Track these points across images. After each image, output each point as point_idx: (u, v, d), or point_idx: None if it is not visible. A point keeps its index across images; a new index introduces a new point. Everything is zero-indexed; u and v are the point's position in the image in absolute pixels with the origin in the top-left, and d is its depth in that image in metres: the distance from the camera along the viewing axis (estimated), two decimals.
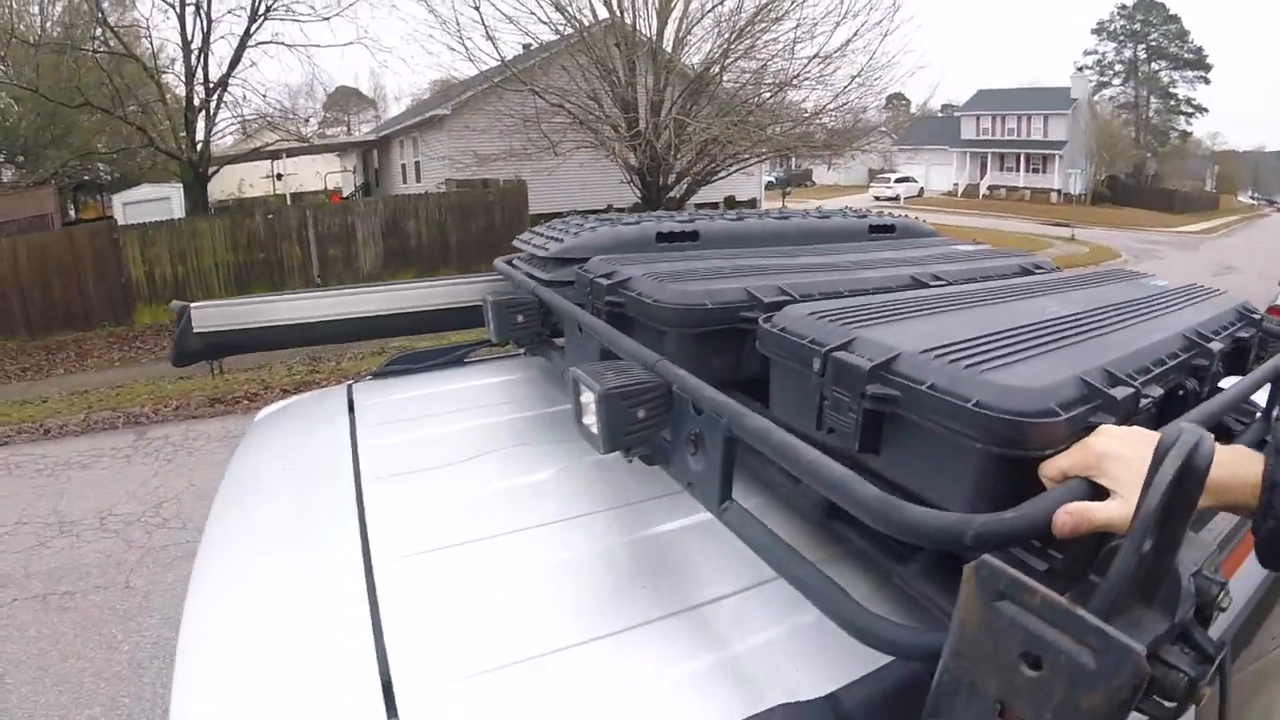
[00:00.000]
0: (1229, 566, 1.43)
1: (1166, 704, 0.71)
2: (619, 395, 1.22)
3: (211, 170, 20.05)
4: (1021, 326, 1.25)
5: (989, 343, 1.14)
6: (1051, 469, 0.95)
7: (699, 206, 20.14)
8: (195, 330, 2.29)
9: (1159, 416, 1.16)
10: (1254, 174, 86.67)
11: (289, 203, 23.79)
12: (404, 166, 27.49)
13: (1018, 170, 53.90)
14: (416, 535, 1.40)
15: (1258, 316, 1.60)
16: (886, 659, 0.93)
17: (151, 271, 14.25)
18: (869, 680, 0.91)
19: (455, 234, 16.84)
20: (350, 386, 2.31)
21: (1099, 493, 0.89)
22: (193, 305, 2.29)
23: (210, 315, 2.31)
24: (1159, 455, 0.73)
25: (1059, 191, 48.56)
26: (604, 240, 2.11)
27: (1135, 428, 0.96)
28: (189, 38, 18.53)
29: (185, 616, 1.28)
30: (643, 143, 14.81)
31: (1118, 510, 0.84)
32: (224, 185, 28.87)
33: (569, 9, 14.81)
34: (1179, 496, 0.71)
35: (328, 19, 19.43)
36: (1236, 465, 0.90)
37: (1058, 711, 0.61)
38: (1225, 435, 1.47)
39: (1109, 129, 57.99)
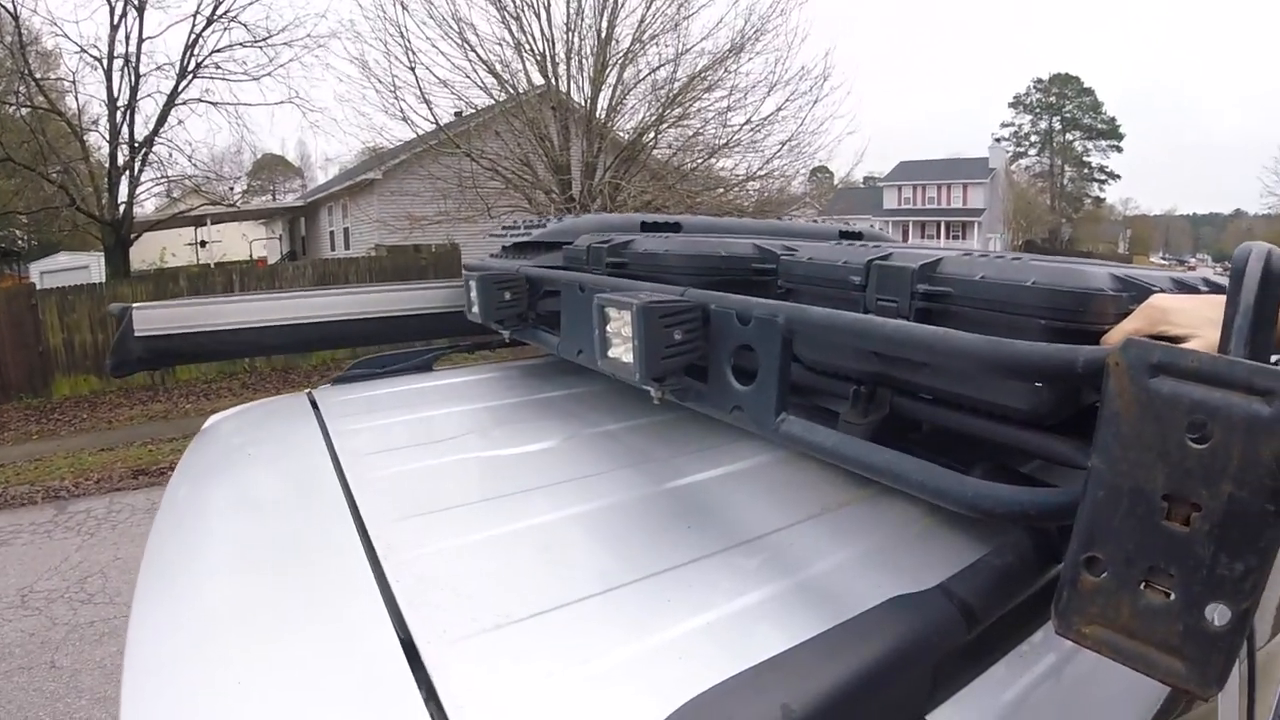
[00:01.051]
0: None
1: None
2: (658, 310, 1.16)
3: (134, 235, 19.62)
4: (1031, 258, 1.26)
5: (1013, 259, 1.16)
6: (1118, 334, 0.96)
7: None
8: (137, 334, 2.10)
9: None
10: (1165, 235, 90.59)
11: (213, 270, 23.34)
12: (332, 233, 27.20)
13: (939, 237, 55.80)
14: (422, 498, 1.33)
15: (1224, 284, 1.70)
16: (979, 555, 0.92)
17: (71, 339, 13.70)
18: (975, 569, 0.88)
19: None
20: (309, 392, 2.16)
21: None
22: (135, 306, 2.11)
23: (155, 317, 2.12)
24: (1238, 268, 0.73)
25: None
26: (591, 225, 2.16)
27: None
28: (115, 94, 18.28)
29: (133, 614, 1.12)
30: (576, 207, 14.87)
31: (1201, 346, 0.84)
32: (145, 254, 28.25)
33: (504, 75, 14.95)
34: (1265, 299, 0.70)
35: (258, 79, 19.26)
36: None
37: (1237, 476, 0.59)
38: None
39: (1025, 196, 60.69)
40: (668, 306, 1.17)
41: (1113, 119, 73.27)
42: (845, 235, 2.73)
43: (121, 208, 18.75)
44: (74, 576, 6.32)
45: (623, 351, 1.22)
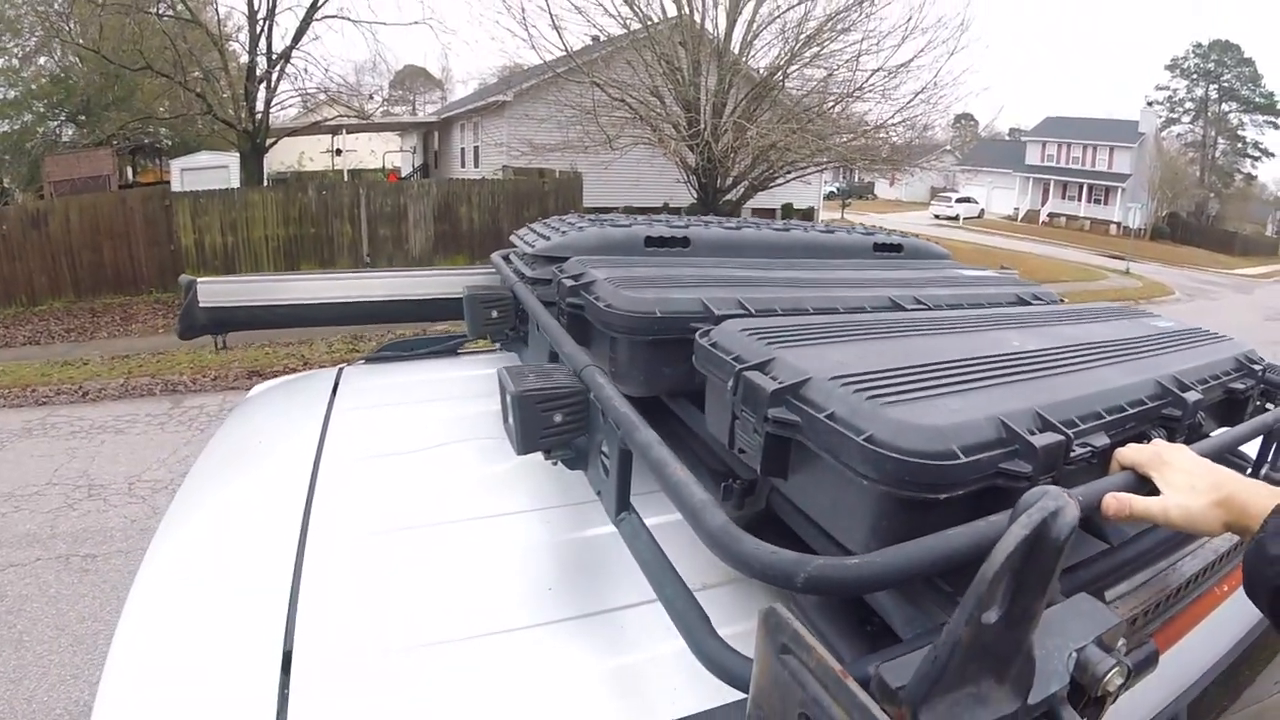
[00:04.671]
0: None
1: None
2: (533, 398, 1.25)
3: (270, 142, 20.09)
4: (961, 359, 1.20)
5: (912, 373, 1.09)
6: (1125, 456, 1.04)
7: (755, 212, 20.13)
8: (201, 305, 2.35)
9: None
10: None
11: (346, 179, 23.76)
12: (463, 150, 27.52)
13: (1079, 199, 53.08)
14: (355, 520, 1.43)
15: (1259, 366, 1.55)
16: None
17: (201, 240, 14.22)
18: (720, 712, 0.92)
19: (508, 222, 16.43)
20: (341, 369, 2.36)
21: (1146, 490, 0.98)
22: (200, 280, 2.36)
23: (216, 291, 2.36)
24: (1011, 518, 0.69)
25: (1118, 224, 47.98)
26: (589, 241, 2.04)
27: (1200, 457, 1.02)
28: (255, 6, 18.57)
29: (132, 589, 1.32)
30: (701, 143, 14.69)
31: (1158, 505, 0.95)
32: (283, 157, 29.08)
33: (637, 3, 14.75)
34: (1031, 567, 0.67)
35: None
36: (1268, 497, 0.91)
37: None
38: None
39: (1174, 166, 56.96)
40: (548, 394, 1.26)
41: (1271, 93, 67.77)
42: (881, 248, 2.49)
43: (258, 117, 19.18)
44: (179, 469, 6.56)
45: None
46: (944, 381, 1.06)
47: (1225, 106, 69.18)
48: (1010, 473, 0.93)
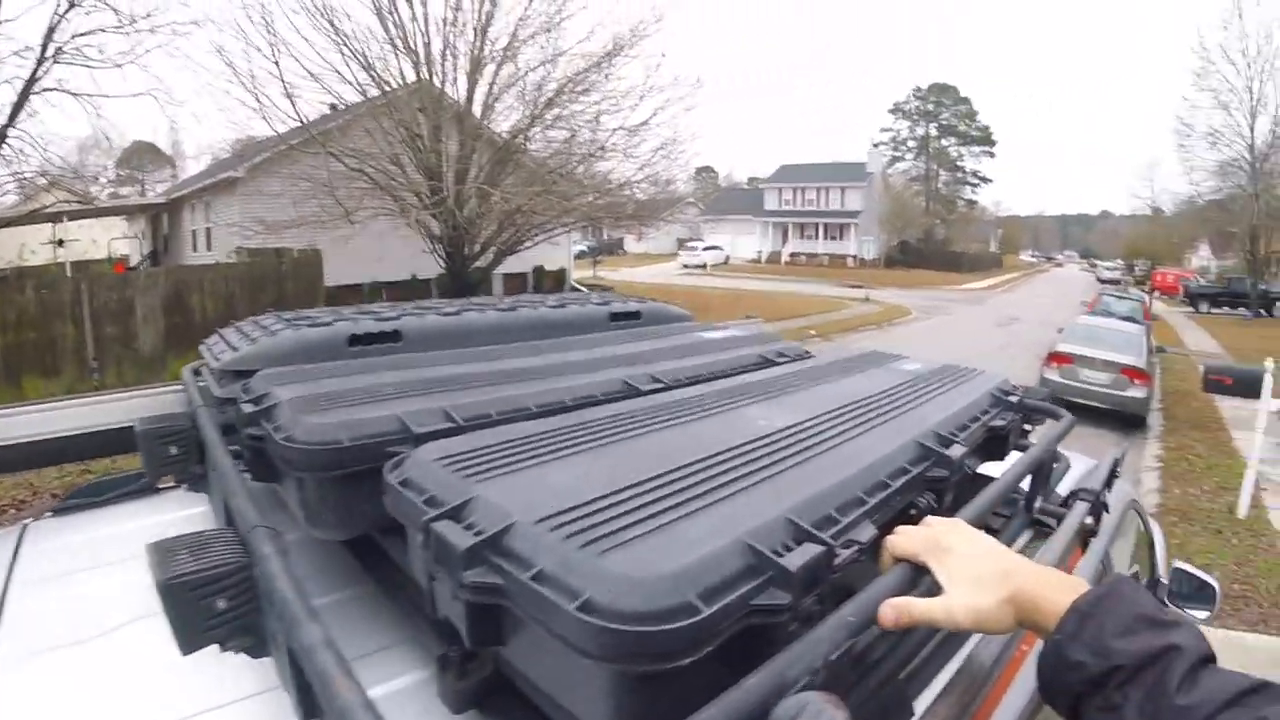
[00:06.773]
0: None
1: None
2: (186, 585, 0.97)
3: None
4: (694, 462, 1.06)
5: (638, 497, 0.94)
6: (899, 548, 0.94)
7: (507, 276, 20.06)
8: None
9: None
10: (1034, 235, 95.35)
11: (69, 272, 21.88)
12: (194, 233, 25.98)
13: (817, 238, 57.58)
14: None
15: (1015, 398, 1.55)
16: None
17: None
18: None
19: (244, 308, 15.37)
20: (25, 527, 1.98)
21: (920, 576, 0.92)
22: None
23: None
24: None
25: (855, 256, 52.12)
26: (284, 347, 1.77)
27: (980, 534, 0.95)
28: None
29: None
30: (445, 211, 14.45)
31: (941, 607, 0.87)
32: (3, 252, 26.56)
33: (375, 69, 14.46)
34: None
35: (120, 66, 17.81)
36: (1060, 590, 0.85)
37: None
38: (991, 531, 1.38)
39: (901, 199, 62.98)
40: (202, 577, 0.97)
41: (986, 126, 76.88)
42: (619, 316, 2.40)
43: None
44: None
45: None
46: (676, 500, 0.93)
47: (945, 141, 77.76)
48: (766, 608, 0.79)
